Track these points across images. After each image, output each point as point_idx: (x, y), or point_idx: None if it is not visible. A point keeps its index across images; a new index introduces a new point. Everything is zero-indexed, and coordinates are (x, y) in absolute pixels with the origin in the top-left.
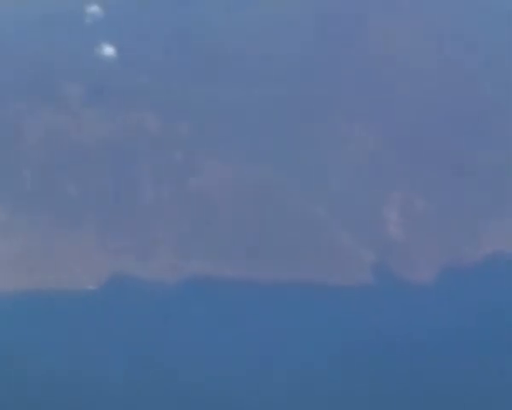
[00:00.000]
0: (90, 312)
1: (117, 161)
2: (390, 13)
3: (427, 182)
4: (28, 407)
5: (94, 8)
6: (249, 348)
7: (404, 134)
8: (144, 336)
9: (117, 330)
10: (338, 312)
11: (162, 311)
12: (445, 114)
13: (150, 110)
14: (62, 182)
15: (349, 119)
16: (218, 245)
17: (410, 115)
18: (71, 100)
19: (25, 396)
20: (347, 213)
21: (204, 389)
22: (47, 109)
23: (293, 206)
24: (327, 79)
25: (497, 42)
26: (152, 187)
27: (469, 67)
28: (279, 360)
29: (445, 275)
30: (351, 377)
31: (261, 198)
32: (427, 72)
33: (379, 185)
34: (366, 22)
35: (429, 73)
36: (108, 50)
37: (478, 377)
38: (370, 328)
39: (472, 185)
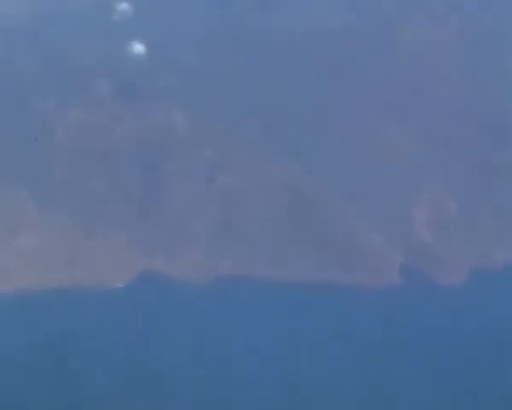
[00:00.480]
0: (119, 310)
1: (146, 160)
2: (422, 15)
3: (458, 183)
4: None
5: (123, 6)
6: (279, 348)
7: (436, 135)
8: (172, 335)
9: (145, 328)
10: (367, 313)
11: (190, 310)
12: (478, 116)
13: (180, 108)
14: (92, 179)
15: (381, 119)
16: (248, 244)
17: (442, 116)
18: (100, 97)
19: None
20: (377, 213)
21: (232, 388)
22: (76, 107)
23: (323, 206)
24: (360, 79)
25: None
26: (181, 186)
27: (502, 68)
28: (309, 360)
29: (474, 278)
30: (381, 378)
31: (291, 197)
32: (459, 73)
33: (409, 186)
34: (399, 23)
35: (462, 75)
36: (138, 48)
37: (508, 379)
38: (400, 330)
39: (503, 188)
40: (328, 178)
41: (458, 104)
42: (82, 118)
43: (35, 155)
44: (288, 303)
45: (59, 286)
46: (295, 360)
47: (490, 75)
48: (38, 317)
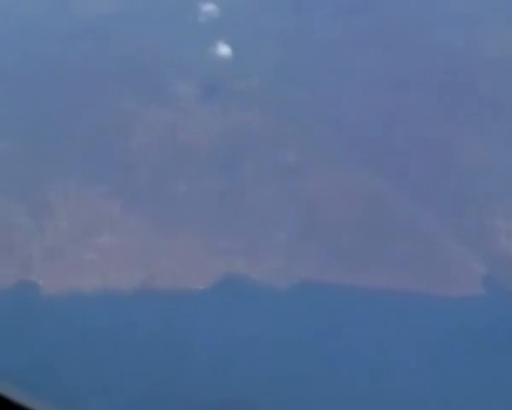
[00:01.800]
0: (198, 311)
1: (227, 162)
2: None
3: None
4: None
5: (209, 7)
6: (357, 356)
7: None
8: (250, 338)
9: (225, 331)
10: (448, 323)
11: (269, 313)
12: None
13: (261, 112)
14: (173, 180)
15: (460, 126)
16: (327, 250)
17: None
18: (184, 98)
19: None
20: (460, 223)
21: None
22: (159, 107)
23: (402, 214)
24: (437, 87)
25: None
26: (260, 189)
27: None
28: (388, 370)
29: None
30: (461, 388)
31: (371, 205)
32: None
33: (493, 195)
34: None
35: None
36: (223, 50)
37: None
38: (481, 340)
39: None
40: (408, 187)
41: None
42: (164, 118)
43: (116, 155)
44: (368, 310)
45: (138, 286)
46: (373, 369)
47: None
48: (117, 316)
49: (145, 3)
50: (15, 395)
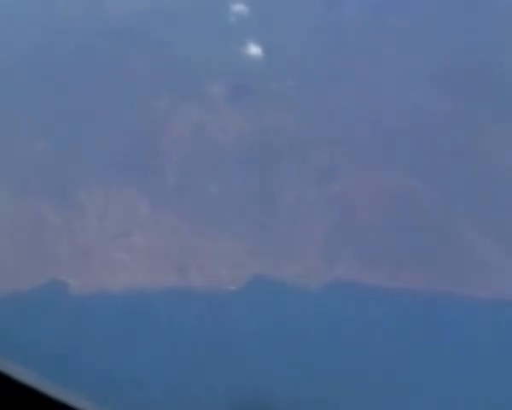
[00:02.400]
0: (230, 311)
1: (259, 162)
2: None
3: None
4: None
5: (239, 7)
6: (397, 357)
7: None
8: (282, 338)
9: (255, 330)
10: (486, 326)
11: (302, 315)
12: None
13: (294, 112)
14: (204, 180)
15: (494, 126)
16: (362, 251)
17: None
18: (215, 98)
19: None
20: (494, 224)
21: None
22: (191, 107)
23: (441, 217)
24: (471, 86)
25: None
26: (293, 189)
27: None
28: (426, 371)
29: None
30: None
31: (407, 207)
32: None
33: None
34: None
35: None
36: (254, 50)
37: None
38: None
39: None
40: (446, 190)
41: None
42: (195, 118)
43: (147, 154)
44: (402, 313)
45: (169, 285)
46: (413, 371)
47: None
48: (147, 316)
49: (174, 3)
50: (50, 389)
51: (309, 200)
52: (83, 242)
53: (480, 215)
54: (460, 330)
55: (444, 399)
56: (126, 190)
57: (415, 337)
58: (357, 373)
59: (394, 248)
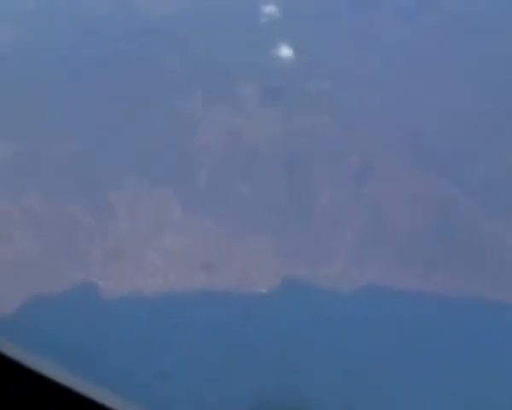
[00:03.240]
0: (261, 314)
1: (291, 164)
2: None
3: None
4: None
5: (270, 8)
6: (429, 361)
7: None
8: (314, 342)
9: (287, 333)
10: None
11: (333, 317)
12: None
13: (327, 114)
14: (236, 182)
15: None
16: (394, 255)
17: None
18: (246, 100)
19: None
20: None
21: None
22: (222, 109)
23: (473, 222)
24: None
25: None
26: (326, 192)
27: None
28: (464, 377)
29: None
30: None
31: (439, 211)
32: None
33: None
34: None
35: None
36: (285, 52)
37: None
38: None
39: None
40: (480, 194)
41: None
42: (227, 120)
43: (178, 155)
44: (434, 316)
45: (201, 288)
46: (450, 377)
47: None
48: (179, 318)
49: (204, 4)
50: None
51: (341, 202)
52: (114, 243)
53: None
54: (493, 334)
55: (476, 405)
56: (158, 191)
57: (446, 341)
58: (388, 377)
59: (427, 251)
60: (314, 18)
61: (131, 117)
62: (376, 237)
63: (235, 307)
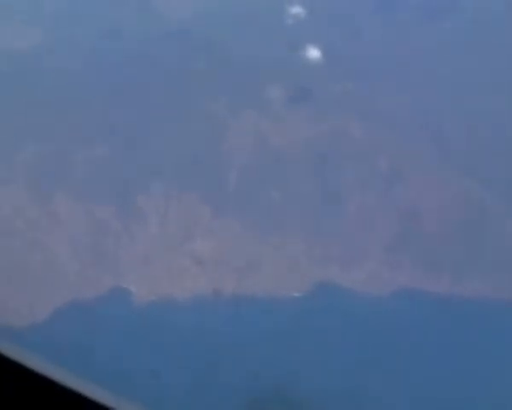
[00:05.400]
0: (299, 319)
1: (319, 167)
2: None
3: None
4: None
5: (297, 9)
6: (458, 362)
7: None
8: (343, 345)
9: (316, 336)
10: None
11: (365, 319)
12: None
13: (355, 116)
14: (265, 186)
15: None
16: (423, 258)
17: None
18: (274, 102)
19: None
20: None
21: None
22: (250, 111)
23: (502, 224)
24: None
25: None
26: (356, 195)
27: None
28: (492, 381)
29: None
30: None
31: (468, 214)
32: None
33: None
34: None
35: None
36: (313, 53)
37: None
38: None
39: None
40: (507, 196)
41: None
42: (256, 122)
43: (207, 159)
44: (464, 322)
45: (231, 292)
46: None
47: None
48: (211, 322)
49: (230, 6)
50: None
51: (371, 205)
52: (144, 248)
53: None
54: None
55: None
56: (188, 196)
57: (474, 342)
58: (419, 379)
59: (457, 254)
60: (340, 18)
61: (159, 120)
62: (406, 241)
63: (267, 312)
